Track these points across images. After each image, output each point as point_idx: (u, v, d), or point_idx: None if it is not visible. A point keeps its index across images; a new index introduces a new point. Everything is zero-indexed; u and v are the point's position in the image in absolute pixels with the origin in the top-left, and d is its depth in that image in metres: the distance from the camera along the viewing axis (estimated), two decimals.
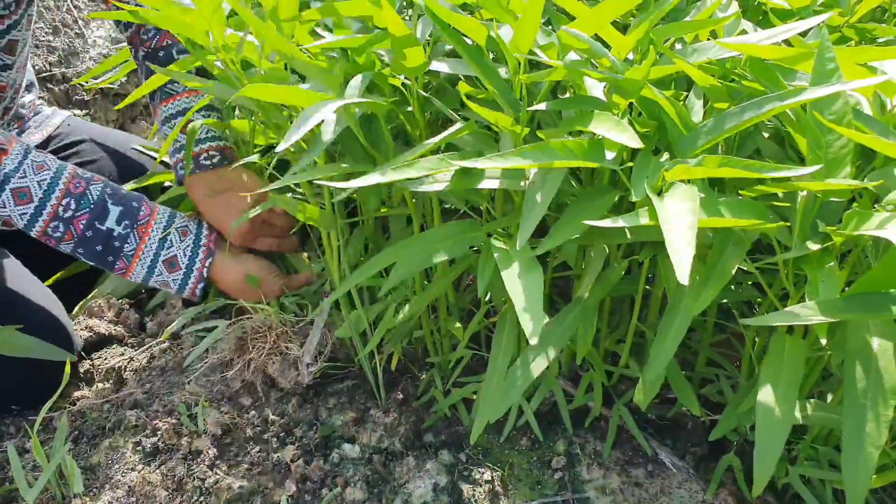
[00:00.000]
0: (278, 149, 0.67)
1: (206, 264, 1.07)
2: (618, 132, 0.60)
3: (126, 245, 1.04)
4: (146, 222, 1.05)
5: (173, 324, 1.11)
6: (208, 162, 1.09)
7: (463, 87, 0.74)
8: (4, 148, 1.00)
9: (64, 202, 1.00)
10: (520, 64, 0.67)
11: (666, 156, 0.64)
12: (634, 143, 0.59)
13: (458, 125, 0.71)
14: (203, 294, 1.10)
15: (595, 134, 0.62)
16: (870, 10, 0.86)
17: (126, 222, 1.03)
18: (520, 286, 0.62)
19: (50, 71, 1.75)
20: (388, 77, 0.75)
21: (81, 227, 1.01)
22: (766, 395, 0.62)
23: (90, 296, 1.23)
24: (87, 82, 1.73)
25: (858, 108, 0.66)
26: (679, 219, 0.54)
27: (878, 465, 0.78)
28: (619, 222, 0.58)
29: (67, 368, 0.92)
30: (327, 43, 0.72)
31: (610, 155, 0.60)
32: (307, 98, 0.72)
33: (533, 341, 0.58)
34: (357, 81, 0.71)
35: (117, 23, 1.27)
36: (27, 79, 1.34)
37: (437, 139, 0.70)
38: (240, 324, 1.04)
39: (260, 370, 1.01)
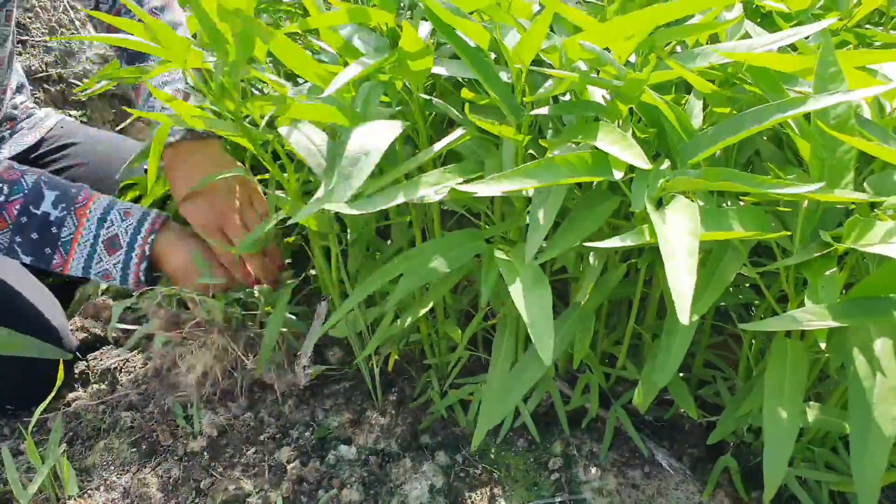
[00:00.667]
0: (338, 207, 0.64)
1: (150, 241, 0.99)
2: (622, 147, 0.60)
3: (63, 229, 0.98)
4: (84, 205, 0.99)
5: (111, 322, 1.02)
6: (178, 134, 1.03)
7: (466, 94, 0.74)
8: None
9: None
10: (521, 72, 0.67)
11: (666, 162, 0.63)
12: (640, 162, 0.58)
13: (458, 132, 0.70)
14: (148, 278, 1.02)
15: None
16: (868, 13, 0.86)
17: (63, 205, 0.98)
18: (529, 304, 0.61)
19: (46, 71, 1.74)
20: (396, 86, 0.74)
21: (15, 212, 0.96)
22: (771, 399, 0.62)
23: (86, 297, 1.22)
24: (83, 84, 1.72)
25: (859, 112, 0.67)
26: (678, 241, 0.54)
27: None
28: (623, 242, 0.58)
29: (61, 370, 0.91)
30: (349, 79, 0.69)
31: (618, 174, 0.60)
32: (333, 116, 0.70)
33: (547, 363, 0.58)
34: (366, 88, 0.70)
35: None
36: (18, 81, 1.33)
37: (437, 148, 0.70)
38: (174, 322, 0.98)
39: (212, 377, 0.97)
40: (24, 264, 1.07)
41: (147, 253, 0.99)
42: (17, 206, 0.97)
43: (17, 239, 0.98)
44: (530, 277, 0.64)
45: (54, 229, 0.98)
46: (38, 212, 0.97)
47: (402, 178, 0.73)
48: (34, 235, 0.98)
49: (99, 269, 1.00)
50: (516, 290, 0.62)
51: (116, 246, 0.99)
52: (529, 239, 0.64)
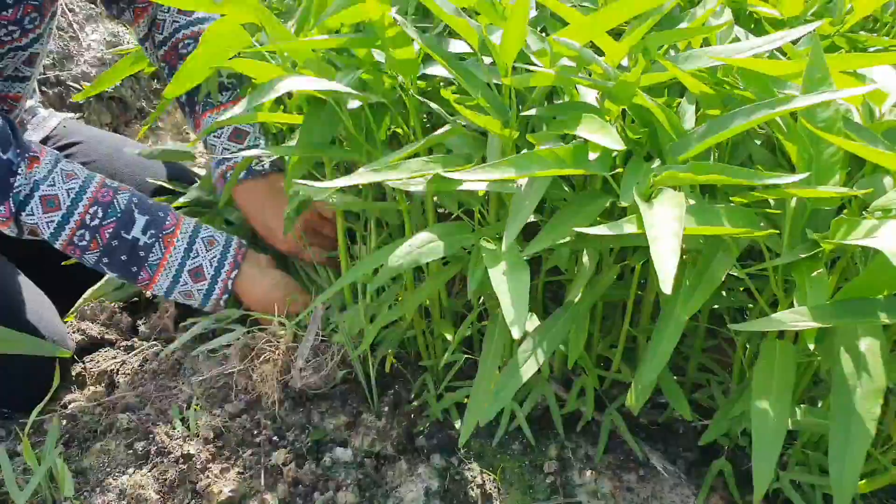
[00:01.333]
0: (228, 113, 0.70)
1: (232, 276, 1.06)
2: (601, 135, 0.61)
3: (151, 255, 1.03)
4: (171, 231, 1.04)
5: (194, 328, 1.08)
6: (259, 167, 1.09)
7: (448, 95, 0.75)
8: (36, 156, 1.00)
9: (91, 210, 1.00)
10: (508, 68, 0.67)
11: (657, 162, 0.64)
12: (616, 144, 0.59)
13: (445, 128, 0.71)
14: (227, 305, 1.09)
15: (582, 138, 0.63)
16: (861, 20, 0.87)
17: (152, 231, 1.03)
18: (506, 283, 0.62)
19: (44, 74, 1.75)
20: (381, 74, 0.76)
21: (108, 235, 1.01)
22: (759, 400, 0.63)
23: (83, 299, 1.23)
24: (81, 87, 1.73)
25: (848, 116, 0.67)
26: (663, 226, 0.55)
27: (868, 470, 0.79)
28: (606, 230, 0.59)
29: (57, 371, 0.92)
30: (320, 41, 0.72)
31: (593, 156, 0.61)
32: (267, 71, 0.74)
33: (516, 334, 0.58)
34: (347, 74, 0.71)
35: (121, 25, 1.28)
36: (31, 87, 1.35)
37: (422, 141, 0.71)
38: (251, 333, 1.03)
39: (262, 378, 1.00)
40: (21, 266, 1.08)
41: (230, 288, 1.06)
42: (110, 230, 1.01)
43: (105, 259, 1.02)
44: (511, 261, 0.64)
45: (142, 253, 1.02)
46: (129, 237, 1.02)
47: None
48: (123, 258, 1.02)
49: (183, 290, 1.06)
50: (496, 273, 0.63)
51: (201, 277, 1.05)
52: (509, 224, 0.64)
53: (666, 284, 0.52)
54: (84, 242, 1.01)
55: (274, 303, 1.04)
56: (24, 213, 0.98)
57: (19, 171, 0.97)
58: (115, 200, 1.02)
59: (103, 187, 1.02)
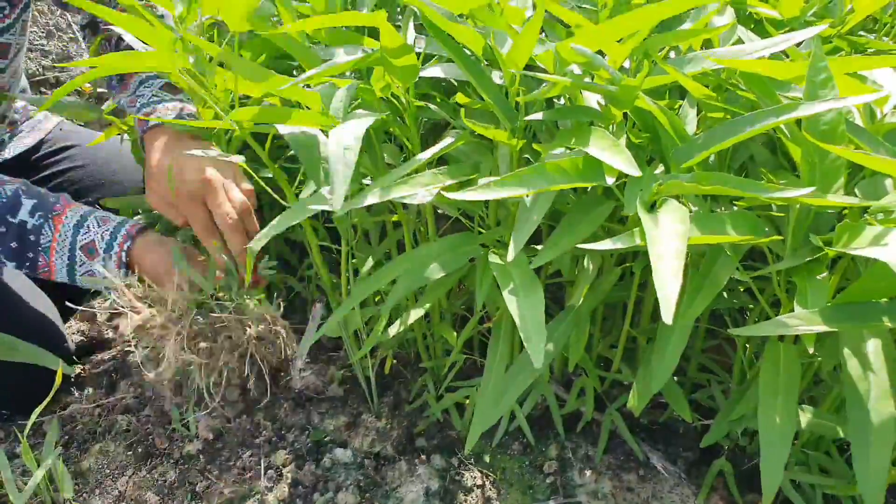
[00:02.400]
0: (334, 206, 0.64)
1: (126, 247, 0.98)
2: (613, 154, 0.60)
3: (41, 237, 0.97)
4: (60, 212, 0.98)
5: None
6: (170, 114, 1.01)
7: (461, 99, 0.74)
8: None
9: None
10: (515, 76, 0.67)
11: (660, 167, 0.64)
12: (632, 169, 0.59)
13: (450, 139, 0.71)
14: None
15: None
16: (861, 21, 0.87)
17: (40, 213, 0.97)
18: (521, 307, 0.62)
19: (43, 75, 1.74)
20: (374, 90, 0.75)
21: None
22: (766, 404, 0.63)
23: (83, 300, 1.22)
24: (80, 88, 1.72)
25: (850, 119, 0.67)
26: (667, 244, 0.54)
27: None
28: (613, 245, 0.58)
29: (59, 373, 0.91)
30: (324, 70, 0.70)
31: (610, 180, 0.60)
32: (310, 119, 0.71)
33: (538, 366, 0.58)
34: (342, 93, 0.70)
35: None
36: (20, 84, 1.33)
37: (429, 153, 0.70)
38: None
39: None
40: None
41: (125, 260, 0.98)
42: None
43: None
44: (523, 281, 0.64)
45: (32, 237, 0.97)
46: (15, 220, 0.97)
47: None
48: (13, 244, 0.97)
49: (84, 270, 0.99)
50: (509, 294, 0.63)
51: (94, 253, 0.98)
52: (515, 236, 0.64)
53: (667, 313, 0.51)
54: None
55: (169, 272, 0.96)
56: None
57: None
58: (1, 189, 0.97)
59: None
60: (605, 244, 0.58)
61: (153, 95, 1.03)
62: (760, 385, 0.64)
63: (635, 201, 0.58)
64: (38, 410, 0.90)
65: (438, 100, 0.84)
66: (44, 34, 1.81)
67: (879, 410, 0.60)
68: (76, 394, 1.07)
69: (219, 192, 0.94)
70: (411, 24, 0.79)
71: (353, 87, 0.72)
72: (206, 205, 0.94)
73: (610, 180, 0.60)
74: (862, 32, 0.92)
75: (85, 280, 0.99)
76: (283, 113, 0.71)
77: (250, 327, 0.90)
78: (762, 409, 0.63)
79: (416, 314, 0.82)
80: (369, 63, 0.72)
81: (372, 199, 0.67)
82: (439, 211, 0.93)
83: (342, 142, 0.64)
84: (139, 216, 1.09)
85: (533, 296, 0.63)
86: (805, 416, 0.76)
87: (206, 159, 0.94)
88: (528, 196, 0.66)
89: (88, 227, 0.98)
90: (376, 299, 1.01)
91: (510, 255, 0.64)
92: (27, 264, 0.98)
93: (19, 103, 1.32)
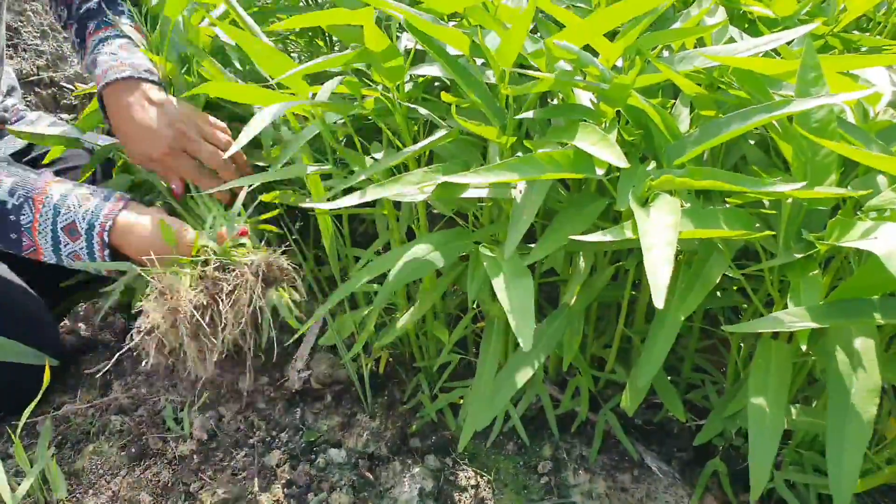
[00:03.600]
0: (229, 152, 0.74)
1: (107, 227, 0.94)
2: (602, 147, 0.60)
3: (22, 216, 0.94)
4: (41, 190, 0.95)
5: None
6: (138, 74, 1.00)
7: (447, 98, 0.74)
8: None
9: None
10: (505, 74, 0.67)
11: (653, 164, 0.64)
12: (620, 161, 0.59)
13: (440, 133, 0.71)
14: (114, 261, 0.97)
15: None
16: (855, 19, 0.87)
17: (20, 192, 0.94)
18: (510, 294, 0.62)
19: (38, 75, 1.74)
20: (359, 85, 0.75)
21: None
22: (756, 400, 0.63)
23: (75, 300, 1.22)
24: (74, 88, 1.72)
25: (842, 117, 0.67)
26: (658, 234, 0.54)
27: (862, 469, 0.79)
28: (604, 237, 0.58)
29: (47, 373, 0.91)
30: (308, 67, 0.71)
31: (600, 171, 0.60)
32: (266, 98, 0.73)
33: (526, 348, 0.58)
34: (328, 85, 0.71)
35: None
36: (8, 83, 1.32)
37: (418, 147, 0.70)
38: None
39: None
40: (12, 267, 1.07)
41: (108, 241, 0.95)
42: None
43: None
44: (513, 270, 0.64)
45: (13, 217, 0.94)
46: None
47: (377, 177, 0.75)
48: None
49: (69, 252, 0.96)
50: (499, 283, 0.63)
51: (75, 234, 0.95)
52: (510, 232, 0.64)
53: (658, 298, 0.51)
54: None
55: (155, 251, 0.93)
56: None
57: None
58: None
59: None
60: (596, 236, 0.58)
61: (112, 53, 1.04)
62: (750, 382, 0.64)
63: (628, 196, 0.58)
64: (29, 410, 0.90)
65: (432, 99, 0.84)
66: (38, 34, 1.81)
67: (860, 408, 0.60)
68: (70, 394, 1.06)
69: (195, 138, 0.97)
70: (406, 36, 0.79)
71: (337, 79, 0.73)
72: (188, 153, 0.97)
73: (600, 171, 0.60)
74: (855, 31, 0.93)
75: (72, 262, 0.97)
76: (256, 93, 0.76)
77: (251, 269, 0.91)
78: (751, 405, 0.63)
79: (412, 318, 0.82)
80: (354, 60, 0.72)
81: (366, 196, 0.67)
82: (435, 211, 0.92)
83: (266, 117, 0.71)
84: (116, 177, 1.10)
85: (522, 281, 0.63)
86: (799, 416, 0.76)
87: (172, 109, 0.97)
88: (519, 188, 0.67)
89: (70, 206, 0.95)
90: (372, 292, 1.00)
91: (507, 253, 0.64)
92: (13, 245, 0.96)
93: (9, 102, 1.31)
